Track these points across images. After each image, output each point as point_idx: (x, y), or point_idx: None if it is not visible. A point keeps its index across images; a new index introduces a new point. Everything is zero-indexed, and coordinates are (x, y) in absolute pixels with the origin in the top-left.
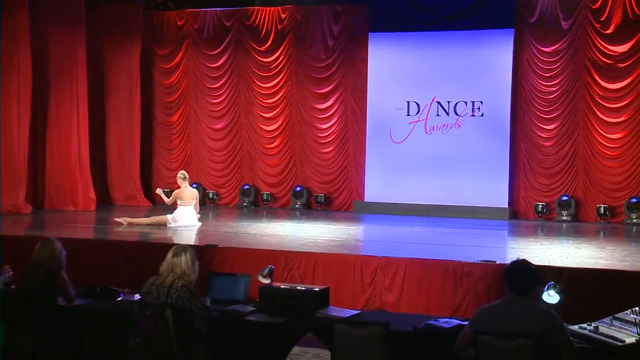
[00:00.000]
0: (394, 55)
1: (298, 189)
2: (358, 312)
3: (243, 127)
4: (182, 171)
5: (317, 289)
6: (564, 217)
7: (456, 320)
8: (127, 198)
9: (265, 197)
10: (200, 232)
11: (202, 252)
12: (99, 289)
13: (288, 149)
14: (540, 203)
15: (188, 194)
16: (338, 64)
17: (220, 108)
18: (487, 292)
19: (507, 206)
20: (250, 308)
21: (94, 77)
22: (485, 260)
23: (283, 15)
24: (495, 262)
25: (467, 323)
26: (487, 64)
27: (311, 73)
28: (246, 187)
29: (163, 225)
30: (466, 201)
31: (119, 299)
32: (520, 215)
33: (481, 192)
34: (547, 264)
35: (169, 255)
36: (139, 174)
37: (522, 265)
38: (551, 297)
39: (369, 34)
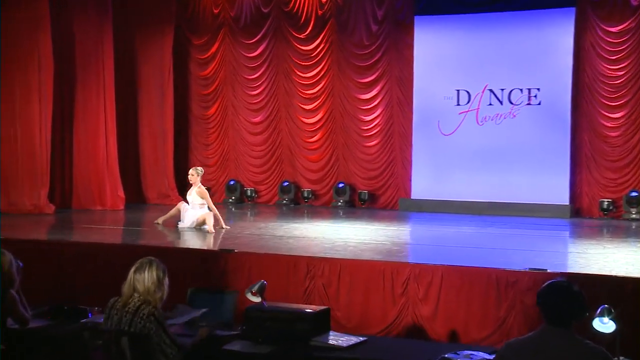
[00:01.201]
0: (442, 40)
1: (340, 185)
2: (364, 338)
3: (283, 120)
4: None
5: (314, 311)
6: (633, 216)
7: (482, 354)
8: (161, 196)
9: (305, 195)
10: (221, 234)
11: (217, 257)
12: (64, 308)
13: (330, 142)
14: (606, 200)
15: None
16: (382, 50)
17: (258, 100)
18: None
19: (568, 203)
20: (233, 333)
21: (125, 70)
22: (534, 268)
23: (324, 0)
24: (546, 270)
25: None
26: (545, 47)
27: (354, 61)
28: (286, 184)
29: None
30: (522, 198)
31: (84, 320)
32: (583, 213)
33: (539, 189)
34: (607, 273)
35: (131, 270)
36: (172, 171)
37: (560, 287)
38: (605, 324)
39: (415, 17)
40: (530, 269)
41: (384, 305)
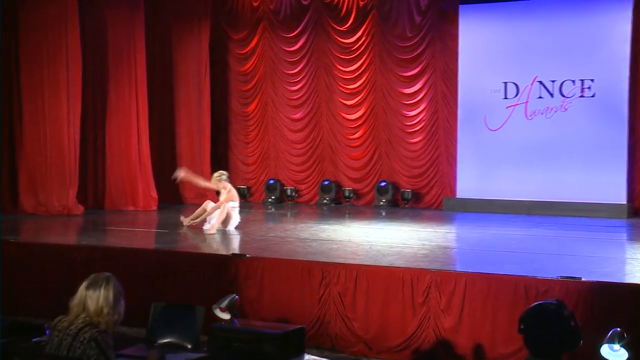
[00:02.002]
0: (489, 30)
1: (382, 184)
2: None
3: (324, 117)
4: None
5: (284, 330)
6: None
7: None
8: (198, 196)
9: (347, 194)
10: (243, 237)
11: (228, 262)
12: (17, 325)
13: (372, 139)
14: None
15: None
16: (426, 42)
17: (299, 96)
18: None
19: (625, 202)
20: (197, 355)
21: (162, 67)
22: (567, 277)
23: None
24: (581, 278)
25: None
26: (599, 35)
27: (396, 54)
28: (326, 182)
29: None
30: (575, 197)
31: (38, 338)
32: None
33: (593, 186)
34: None
35: (83, 285)
36: (210, 170)
37: (547, 312)
38: (615, 352)
39: (460, 6)
40: (562, 277)
41: (404, 315)
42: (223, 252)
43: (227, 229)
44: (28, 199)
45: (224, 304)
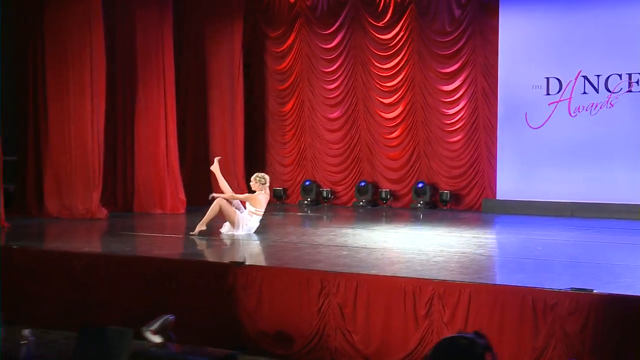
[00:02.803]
0: (530, 22)
1: (420, 185)
2: None
3: (361, 116)
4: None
5: (211, 357)
6: None
7: None
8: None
9: (384, 196)
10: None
11: (226, 270)
12: None
13: (411, 139)
14: None
15: (265, 201)
16: (466, 37)
17: (336, 94)
18: (581, 334)
19: None
20: None
21: (196, 67)
22: (577, 289)
23: None
24: (592, 291)
25: None
26: None
27: (435, 50)
28: (363, 184)
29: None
30: (621, 198)
31: None
32: None
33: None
34: None
35: None
36: (243, 171)
37: (457, 347)
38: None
39: None
40: (572, 289)
41: (406, 328)
42: (233, 259)
43: (236, 232)
44: (52, 202)
45: (155, 326)
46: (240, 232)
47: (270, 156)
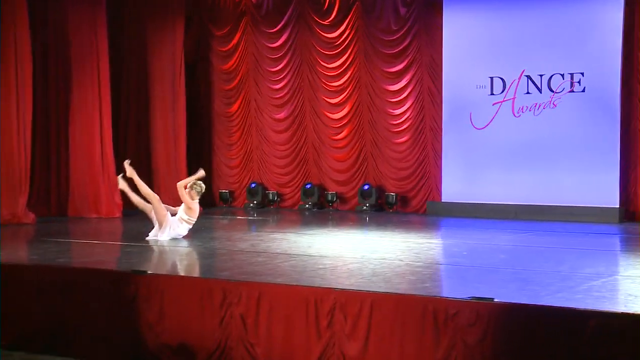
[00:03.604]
0: (474, 21)
1: (366, 187)
2: None
3: (307, 116)
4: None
5: None
6: None
7: None
8: (176, 201)
9: (330, 198)
10: (171, 248)
11: (128, 280)
12: None
13: (358, 140)
14: None
15: (198, 211)
16: (411, 36)
17: (282, 94)
18: (481, 345)
19: (617, 206)
20: None
21: (137, 66)
22: (478, 297)
23: None
24: (493, 299)
25: None
26: (589, 25)
27: (381, 48)
28: (308, 186)
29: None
30: (565, 200)
31: None
32: (637, 217)
33: (584, 189)
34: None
35: None
36: (186, 173)
37: None
38: None
39: None
40: (472, 297)
41: (308, 340)
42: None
43: (161, 237)
44: None
45: None
46: (165, 238)
47: (216, 158)
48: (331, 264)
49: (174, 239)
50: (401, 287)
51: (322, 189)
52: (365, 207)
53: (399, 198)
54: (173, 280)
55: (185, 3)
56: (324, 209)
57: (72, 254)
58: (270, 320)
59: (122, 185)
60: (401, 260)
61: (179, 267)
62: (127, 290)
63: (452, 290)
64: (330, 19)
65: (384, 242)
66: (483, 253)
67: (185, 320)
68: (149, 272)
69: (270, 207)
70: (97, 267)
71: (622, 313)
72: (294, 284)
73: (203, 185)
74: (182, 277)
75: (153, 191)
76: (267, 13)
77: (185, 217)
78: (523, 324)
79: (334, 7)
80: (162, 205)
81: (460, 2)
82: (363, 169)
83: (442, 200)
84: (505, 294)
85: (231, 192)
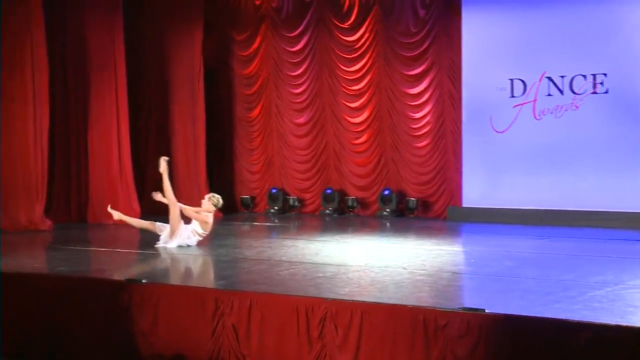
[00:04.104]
0: (493, 22)
1: (386, 192)
2: None
3: (328, 121)
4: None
5: None
6: None
7: None
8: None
9: (350, 204)
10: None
11: (122, 288)
12: None
13: (378, 144)
14: None
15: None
16: (431, 38)
17: (302, 99)
18: (471, 357)
19: None
20: None
21: (157, 72)
22: (469, 308)
23: None
24: (484, 310)
25: None
26: (612, 24)
27: (401, 51)
28: (329, 191)
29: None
30: (588, 205)
31: None
32: None
33: (608, 193)
34: None
35: None
36: (205, 179)
37: None
38: None
39: None
40: (463, 308)
41: (300, 351)
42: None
43: (169, 245)
44: None
45: None
46: (173, 245)
47: (238, 163)
48: (332, 273)
49: (181, 246)
50: (396, 296)
51: (343, 194)
52: (385, 213)
53: (420, 203)
54: (167, 289)
55: (205, 8)
56: (344, 214)
57: (74, 263)
58: (261, 330)
59: (117, 215)
60: (404, 269)
61: (174, 274)
62: (122, 299)
63: (447, 299)
64: (350, 22)
65: (394, 249)
66: (492, 260)
67: (179, 330)
68: (144, 281)
69: (291, 213)
70: (94, 275)
71: (615, 325)
72: (286, 293)
73: (220, 199)
74: (175, 285)
75: (177, 196)
76: (287, 17)
77: (200, 231)
78: (514, 336)
79: (353, 10)
80: (179, 212)
81: (479, 3)
82: (384, 174)
83: (463, 205)
84: (500, 303)
85: (252, 198)
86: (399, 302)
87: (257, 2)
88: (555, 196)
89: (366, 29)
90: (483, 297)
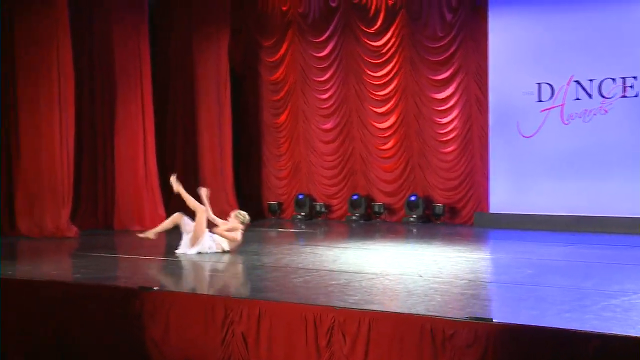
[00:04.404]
0: (520, 25)
1: (412, 198)
2: None
3: (354, 126)
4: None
5: None
6: None
7: None
8: (222, 214)
9: (377, 209)
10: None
11: (134, 296)
12: None
13: (404, 150)
14: None
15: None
16: (458, 42)
17: (329, 104)
18: None
19: None
20: None
21: (184, 78)
22: (476, 318)
23: None
24: (492, 320)
25: None
26: None
27: (427, 56)
28: (355, 197)
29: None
30: (617, 211)
31: None
32: None
33: (638, 199)
34: None
35: None
36: (232, 185)
37: None
38: None
39: (489, 0)
40: (470, 317)
41: (309, 359)
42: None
43: (189, 251)
44: (24, 221)
45: None
46: (192, 252)
47: (266, 169)
48: (346, 280)
49: (201, 253)
50: (405, 304)
51: (370, 200)
52: (412, 219)
53: (448, 209)
54: (178, 296)
55: (232, 14)
56: (370, 220)
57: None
58: (270, 339)
59: (148, 234)
60: (420, 276)
61: (186, 282)
62: (134, 306)
63: (456, 308)
64: (376, 27)
65: (413, 256)
66: (512, 268)
67: (189, 338)
68: (156, 288)
69: (318, 219)
70: (107, 283)
71: (623, 336)
72: (296, 301)
73: (246, 215)
74: (185, 293)
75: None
76: (314, 22)
77: (227, 247)
78: (521, 346)
79: (380, 14)
80: (206, 220)
81: (506, 7)
82: (411, 180)
83: (490, 211)
84: (511, 312)
85: (279, 204)
86: (407, 311)
87: (284, 8)
88: (583, 202)
89: (392, 33)
90: (495, 306)
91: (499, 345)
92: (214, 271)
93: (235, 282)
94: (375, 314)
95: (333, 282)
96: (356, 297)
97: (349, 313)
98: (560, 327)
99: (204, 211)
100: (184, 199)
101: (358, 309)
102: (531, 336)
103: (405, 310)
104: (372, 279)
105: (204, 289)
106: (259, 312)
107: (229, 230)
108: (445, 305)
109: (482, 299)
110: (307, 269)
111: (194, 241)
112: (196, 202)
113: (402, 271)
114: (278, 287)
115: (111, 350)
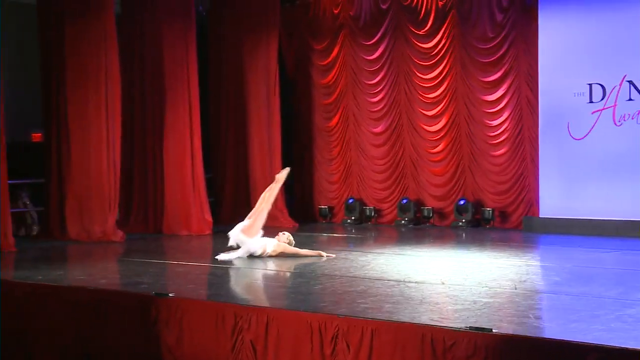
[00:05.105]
0: (570, 25)
1: (462, 202)
2: None
3: (405, 129)
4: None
5: None
6: None
7: None
8: (270, 218)
9: (426, 214)
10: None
11: (150, 302)
12: None
13: (455, 153)
14: None
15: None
16: (508, 43)
17: (379, 107)
18: None
19: None
20: None
21: (235, 81)
22: (476, 328)
23: None
24: (492, 330)
25: None
26: None
27: (477, 57)
28: (405, 201)
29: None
30: None
31: None
32: None
33: None
34: None
35: None
36: (282, 190)
37: None
38: None
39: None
40: (470, 327)
41: None
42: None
43: (233, 256)
44: (73, 225)
45: None
46: (238, 254)
47: (317, 173)
48: (364, 288)
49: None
50: (411, 313)
51: (419, 204)
52: (461, 223)
53: (498, 213)
54: (190, 303)
55: (284, 18)
56: (420, 224)
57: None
58: (277, 347)
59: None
60: (443, 283)
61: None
62: (150, 313)
63: (461, 318)
64: (426, 28)
65: (442, 262)
66: (540, 275)
67: (201, 345)
68: (171, 294)
69: (368, 223)
70: (123, 289)
71: (620, 348)
72: (304, 309)
73: (290, 235)
74: (198, 300)
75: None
76: (365, 25)
77: (273, 254)
78: (520, 357)
79: (430, 16)
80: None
81: (556, 6)
82: (461, 183)
83: (540, 216)
84: (515, 323)
85: (330, 208)
86: (408, 321)
87: (336, 11)
88: (635, 206)
89: (443, 35)
90: (501, 315)
91: (499, 356)
92: (231, 277)
93: (251, 289)
94: (377, 323)
95: (350, 290)
96: (365, 305)
97: (352, 322)
98: (562, 338)
99: (265, 214)
100: (269, 193)
101: (361, 317)
102: (530, 348)
103: (407, 320)
104: (392, 286)
105: (221, 297)
106: (267, 320)
107: (284, 251)
108: (451, 314)
109: (492, 307)
110: (330, 275)
111: (249, 228)
112: (269, 205)
113: (425, 278)
114: (291, 294)
115: (132, 357)
